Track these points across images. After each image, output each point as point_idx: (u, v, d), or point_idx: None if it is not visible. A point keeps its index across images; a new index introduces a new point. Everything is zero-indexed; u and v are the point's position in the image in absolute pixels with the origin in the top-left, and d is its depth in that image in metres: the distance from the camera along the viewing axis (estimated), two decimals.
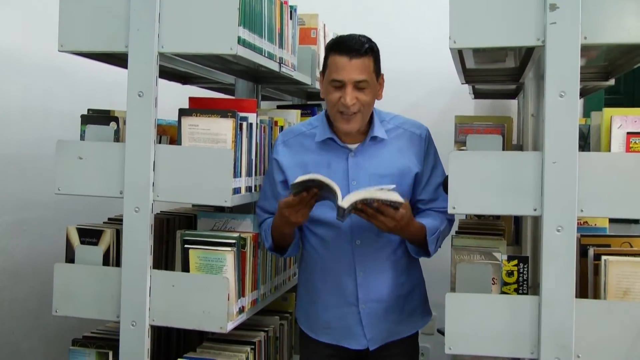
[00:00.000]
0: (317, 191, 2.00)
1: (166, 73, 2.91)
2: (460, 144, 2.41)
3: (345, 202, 1.92)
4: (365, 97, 2.15)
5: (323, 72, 2.24)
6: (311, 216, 2.17)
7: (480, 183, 1.82)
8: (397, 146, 2.27)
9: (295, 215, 2.06)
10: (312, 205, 2.06)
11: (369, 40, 2.18)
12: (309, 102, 3.80)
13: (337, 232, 2.23)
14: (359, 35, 2.18)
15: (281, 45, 2.60)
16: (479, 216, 2.65)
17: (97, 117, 2.29)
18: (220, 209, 2.52)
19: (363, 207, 1.99)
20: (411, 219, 2.10)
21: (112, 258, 2.20)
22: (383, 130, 2.26)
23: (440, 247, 2.24)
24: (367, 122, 2.25)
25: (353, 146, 2.25)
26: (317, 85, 3.18)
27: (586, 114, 3.61)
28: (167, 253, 2.45)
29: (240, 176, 2.22)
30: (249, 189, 2.30)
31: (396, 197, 1.97)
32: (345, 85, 2.12)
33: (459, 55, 2.29)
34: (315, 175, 1.95)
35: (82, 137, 2.24)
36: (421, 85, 3.89)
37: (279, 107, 3.41)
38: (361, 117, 2.18)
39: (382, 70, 2.25)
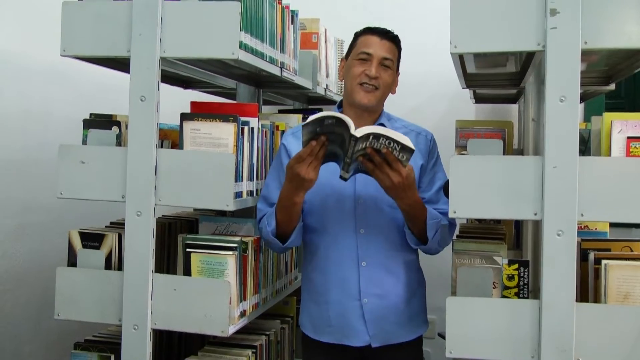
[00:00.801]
0: (326, 140, 1.95)
1: (168, 77, 2.92)
2: (461, 148, 2.42)
3: (358, 132, 1.88)
4: (386, 77, 2.26)
5: (347, 56, 2.35)
6: (314, 205, 2.23)
7: (481, 187, 1.82)
8: None
9: (306, 170, 2.01)
10: (321, 157, 2.01)
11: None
12: (310, 107, 3.82)
13: (340, 221, 2.23)
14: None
15: (282, 50, 2.61)
16: (479, 220, 2.65)
17: (99, 122, 2.30)
18: (221, 213, 2.53)
19: (372, 153, 1.95)
20: (414, 183, 2.08)
21: (114, 262, 2.20)
22: (390, 125, 2.31)
23: (440, 246, 2.24)
24: (376, 116, 2.32)
25: None
26: (318, 90, 3.20)
27: (587, 118, 3.61)
28: (169, 257, 2.46)
29: (242, 180, 2.23)
30: (250, 193, 2.31)
31: (409, 141, 1.94)
32: (372, 59, 2.24)
33: (460, 60, 2.30)
34: (327, 112, 1.91)
35: (84, 142, 2.24)
36: (422, 89, 3.90)
37: (280, 111, 3.43)
38: (379, 95, 2.26)
39: None
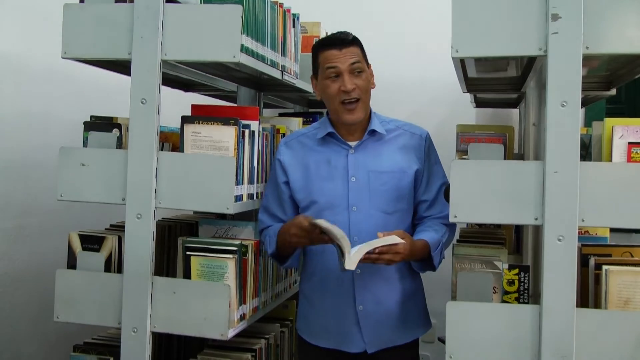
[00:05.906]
0: (328, 239, 2.05)
1: (169, 80, 2.92)
2: (462, 152, 2.42)
3: (352, 264, 1.96)
4: (362, 82, 2.23)
5: (315, 74, 2.31)
6: (310, 214, 2.24)
7: (481, 192, 1.82)
8: (397, 145, 2.30)
9: (297, 238, 2.12)
10: (316, 242, 2.11)
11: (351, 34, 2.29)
12: (310, 110, 3.81)
13: None
14: (341, 32, 2.29)
15: (284, 53, 2.61)
16: (480, 225, 2.65)
17: (100, 124, 2.30)
18: (221, 216, 2.53)
19: (368, 258, 2.02)
20: (413, 243, 2.12)
21: (114, 264, 2.20)
22: (382, 127, 2.30)
23: (444, 257, 2.25)
24: (366, 120, 2.30)
25: (353, 143, 2.28)
26: None
27: (587, 123, 3.61)
28: (169, 260, 2.46)
29: (242, 183, 2.23)
30: (250, 196, 2.31)
31: (393, 239, 2.01)
32: (342, 74, 2.20)
33: (461, 64, 2.30)
34: (336, 231, 1.97)
35: (85, 144, 2.24)
36: (423, 93, 3.90)
37: (281, 114, 3.43)
38: (362, 105, 2.24)
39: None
